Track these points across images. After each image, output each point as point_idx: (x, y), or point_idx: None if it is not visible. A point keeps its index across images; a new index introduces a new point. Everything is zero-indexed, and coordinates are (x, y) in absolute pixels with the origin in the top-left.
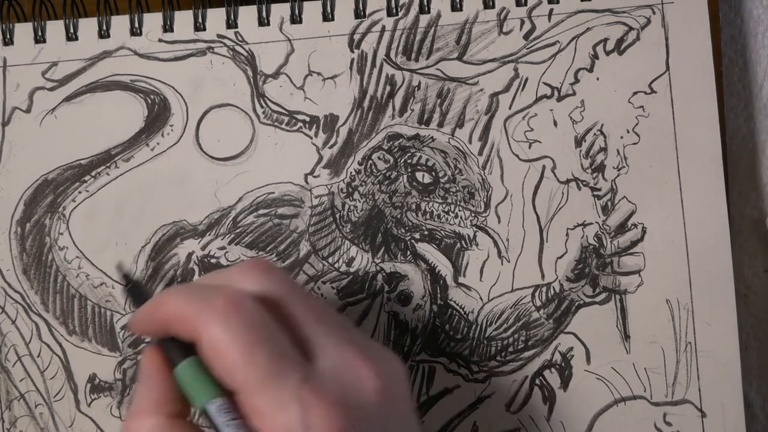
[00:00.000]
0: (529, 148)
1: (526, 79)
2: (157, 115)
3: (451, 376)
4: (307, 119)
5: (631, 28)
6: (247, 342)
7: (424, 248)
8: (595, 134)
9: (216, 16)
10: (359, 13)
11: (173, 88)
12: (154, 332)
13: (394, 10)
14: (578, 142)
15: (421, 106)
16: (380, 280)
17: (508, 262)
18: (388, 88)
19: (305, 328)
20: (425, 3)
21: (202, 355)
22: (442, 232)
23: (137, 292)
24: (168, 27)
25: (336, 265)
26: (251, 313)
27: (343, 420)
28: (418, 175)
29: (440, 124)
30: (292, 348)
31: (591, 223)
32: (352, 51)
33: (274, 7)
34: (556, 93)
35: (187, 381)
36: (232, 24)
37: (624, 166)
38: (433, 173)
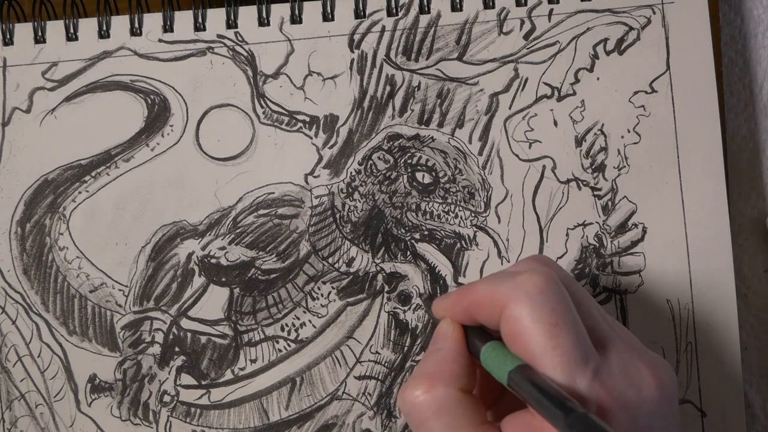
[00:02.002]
0: (529, 148)
1: (526, 79)
2: (157, 115)
3: None
4: (307, 119)
5: (631, 28)
6: (553, 323)
7: (424, 248)
8: (595, 134)
9: (216, 16)
10: (359, 13)
11: (173, 88)
12: (459, 318)
13: (394, 10)
14: (578, 142)
15: (421, 107)
16: (380, 280)
17: (508, 262)
18: (388, 88)
19: (594, 319)
20: (425, 3)
21: (504, 335)
22: (442, 232)
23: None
24: (168, 27)
25: (336, 265)
26: (557, 295)
27: (626, 415)
28: (418, 175)
29: (440, 125)
30: (587, 336)
31: (591, 223)
32: (352, 51)
33: (274, 7)
34: (556, 93)
35: (492, 358)
36: (232, 24)
37: (624, 166)
38: (433, 173)
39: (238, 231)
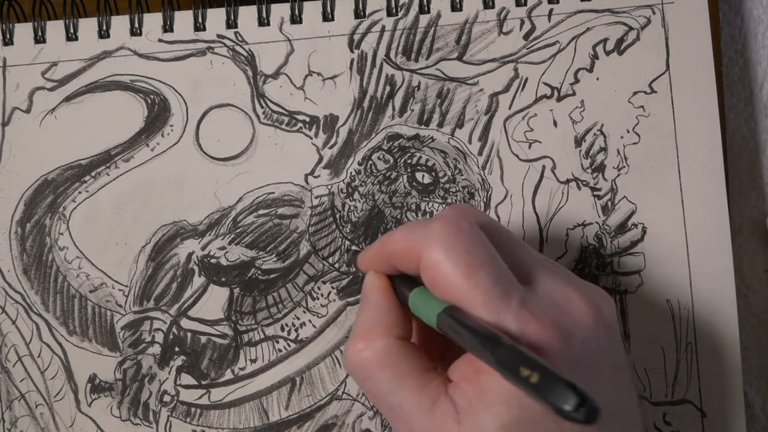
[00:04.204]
0: (529, 148)
1: (526, 79)
2: (157, 115)
3: None
4: (307, 119)
5: (631, 28)
6: (469, 264)
7: None
8: (595, 134)
9: (216, 16)
10: (359, 13)
11: (173, 88)
12: (382, 269)
13: (394, 10)
14: (578, 142)
15: (421, 107)
16: None
17: None
18: (387, 88)
19: (518, 256)
20: (425, 3)
21: (426, 282)
22: None
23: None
24: (168, 27)
25: (336, 265)
26: (470, 236)
27: (559, 341)
28: (418, 175)
29: (440, 125)
30: (509, 272)
31: (591, 223)
32: (352, 51)
33: (274, 7)
34: (556, 93)
35: (420, 303)
36: (232, 24)
37: (624, 166)
38: (433, 173)
39: (238, 231)
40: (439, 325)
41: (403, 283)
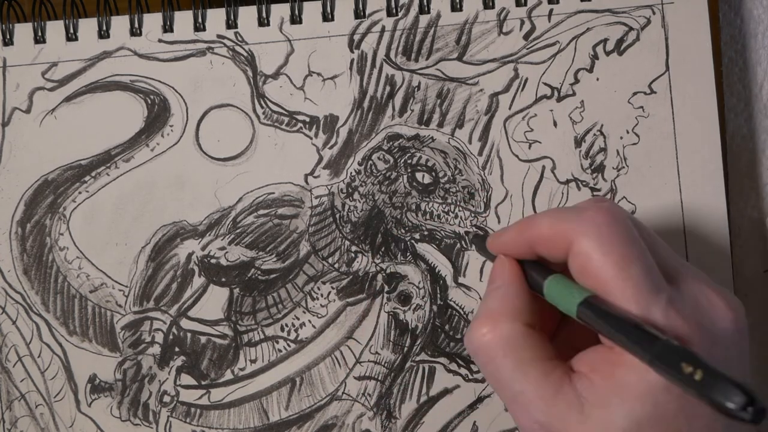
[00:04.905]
0: (529, 148)
1: (526, 80)
2: (157, 115)
3: (451, 376)
4: (307, 120)
5: (631, 29)
6: (623, 255)
7: (424, 248)
8: (594, 134)
9: (216, 17)
10: (359, 14)
11: (173, 88)
12: (518, 252)
13: (394, 11)
14: (578, 143)
15: (421, 107)
16: (380, 280)
17: None
18: (388, 88)
19: (662, 256)
20: (425, 3)
21: (572, 270)
22: (442, 232)
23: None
24: (168, 27)
25: (336, 266)
26: (625, 227)
27: (702, 343)
28: (418, 175)
29: (440, 125)
30: (657, 268)
31: None
32: (352, 51)
33: (274, 7)
34: (556, 93)
35: (557, 291)
36: (232, 24)
37: (624, 167)
38: (433, 173)
39: (238, 231)
40: (581, 314)
41: (536, 269)
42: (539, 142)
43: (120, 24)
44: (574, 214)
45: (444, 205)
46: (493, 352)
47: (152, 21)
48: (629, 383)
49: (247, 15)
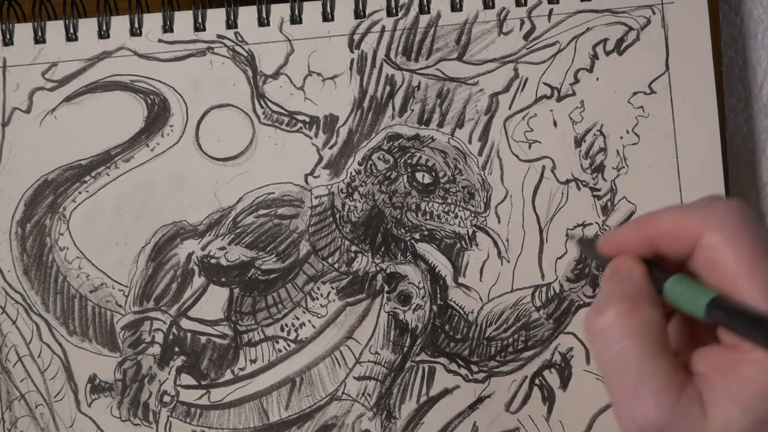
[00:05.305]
0: (529, 148)
1: (526, 80)
2: (157, 115)
3: (451, 377)
4: (307, 119)
5: (630, 29)
6: (754, 250)
7: (424, 248)
8: (594, 134)
9: (216, 17)
10: (359, 14)
11: (173, 88)
12: (637, 250)
13: (394, 11)
14: (578, 143)
15: (421, 107)
16: (380, 280)
17: (508, 262)
18: (387, 88)
19: None
20: (425, 3)
21: (698, 264)
22: (442, 232)
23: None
24: (168, 27)
25: (336, 265)
26: (756, 222)
27: None
28: (418, 175)
29: (440, 125)
30: None
31: (591, 224)
32: (352, 51)
33: (274, 7)
34: (555, 93)
35: (681, 291)
36: (232, 24)
37: (624, 167)
38: (433, 173)
39: (238, 231)
40: (710, 314)
41: (656, 268)
42: (539, 142)
43: (120, 24)
44: (700, 208)
45: (444, 205)
46: (624, 334)
47: (152, 21)
48: (756, 381)
49: (247, 15)
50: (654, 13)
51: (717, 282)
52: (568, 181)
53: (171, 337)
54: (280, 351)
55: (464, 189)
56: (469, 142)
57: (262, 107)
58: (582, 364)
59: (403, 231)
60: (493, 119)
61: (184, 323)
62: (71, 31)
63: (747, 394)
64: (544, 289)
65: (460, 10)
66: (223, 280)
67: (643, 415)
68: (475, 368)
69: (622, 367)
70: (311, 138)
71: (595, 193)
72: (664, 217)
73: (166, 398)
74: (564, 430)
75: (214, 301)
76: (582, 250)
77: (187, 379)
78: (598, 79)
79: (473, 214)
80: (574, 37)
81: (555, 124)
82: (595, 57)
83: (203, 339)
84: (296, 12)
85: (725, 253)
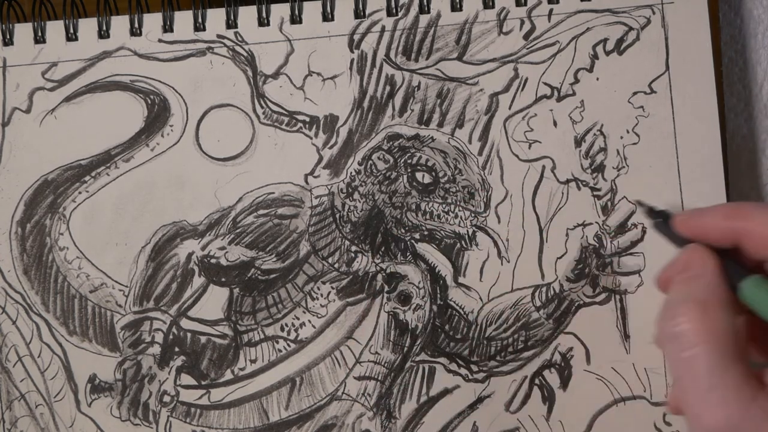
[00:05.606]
0: (529, 148)
1: (526, 79)
2: (157, 115)
3: (451, 376)
4: (307, 119)
5: (630, 28)
6: None
7: (424, 248)
8: (594, 134)
9: (216, 17)
10: (359, 13)
11: (173, 88)
12: (719, 240)
13: (394, 10)
14: (578, 142)
15: (421, 106)
16: (380, 280)
17: (508, 262)
18: (387, 88)
19: None
20: (425, 3)
21: None
22: (442, 232)
23: (657, 212)
24: (168, 27)
25: (336, 265)
26: None
27: None
28: (418, 175)
29: (440, 124)
30: None
31: (591, 223)
32: (352, 51)
33: (274, 7)
34: (555, 93)
35: (758, 293)
36: (232, 24)
37: (624, 166)
38: (433, 173)
39: (237, 231)
40: None
41: (733, 265)
42: (539, 142)
43: (120, 24)
44: None
45: (444, 205)
46: (697, 340)
47: (152, 21)
48: None
49: (247, 15)
50: (654, 13)
51: None
52: (568, 181)
53: (171, 337)
54: (280, 351)
55: (464, 189)
56: (469, 142)
57: (262, 107)
58: (582, 364)
59: (403, 231)
60: (493, 119)
61: (184, 323)
62: (71, 31)
63: None
64: (544, 289)
65: (460, 10)
66: (223, 280)
67: (711, 421)
68: (475, 368)
69: (692, 374)
70: (311, 138)
71: (595, 192)
72: (753, 213)
73: (166, 398)
74: (564, 430)
75: (214, 301)
76: (653, 225)
77: (187, 379)
78: (598, 78)
79: (473, 214)
80: (574, 37)
81: (555, 124)
82: (595, 57)
83: (203, 339)
84: (296, 12)
85: None
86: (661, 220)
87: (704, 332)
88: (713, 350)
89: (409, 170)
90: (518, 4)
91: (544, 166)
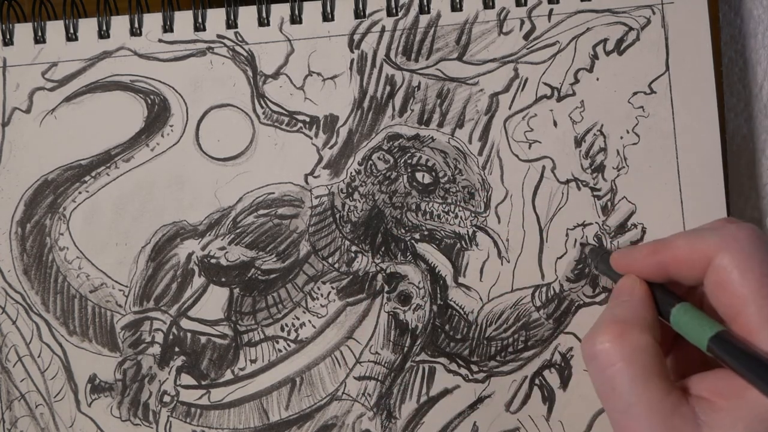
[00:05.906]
0: (529, 148)
1: (526, 80)
2: (157, 115)
3: (451, 376)
4: (307, 119)
5: (630, 29)
6: (762, 275)
7: (424, 248)
8: (594, 134)
9: (216, 17)
10: (359, 13)
11: (173, 88)
12: (647, 273)
13: (394, 10)
14: (578, 143)
15: (421, 107)
16: (380, 280)
17: (508, 262)
18: (388, 88)
19: None
20: (425, 3)
21: (708, 287)
22: (442, 232)
23: (598, 250)
24: (168, 27)
25: (336, 265)
26: (766, 247)
27: None
28: (418, 175)
29: (440, 125)
30: None
31: (591, 224)
32: (352, 51)
33: (274, 7)
34: (555, 93)
35: (686, 320)
36: (232, 24)
37: (624, 167)
38: (433, 173)
39: (238, 231)
40: (711, 349)
41: (664, 294)
42: (539, 142)
43: (120, 24)
44: (712, 231)
45: (444, 205)
46: (616, 358)
47: (152, 21)
48: (760, 406)
49: (247, 15)
50: (654, 13)
51: (724, 304)
52: (568, 181)
53: (171, 337)
54: (280, 351)
55: (464, 189)
56: (469, 142)
57: (262, 107)
58: (582, 364)
59: (403, 231)
60: (493, 119)
61: (184, 323)
62: (71, 31)
63: (751, 415)
64: (544, 289)
65: (460, 10)
66: (223, 280)
67: None
68: (475, 368)
69: (610, 390)
70: (311, 138)
71: (595, 193)
72: (677, 243)
73: (166, 398)
74: (564, 430)
75: (214, 301)
76: (592, 262)
77: (187, 379)
78: (598, 79)
79: (473, 214)
80: (574, 37)
81: (555, 124)
82: (595, 57)
83: (203, 339)
84: (296, 12)
85: (734, 275)
86: (597, 256)
87: (623, 350)
88: (632, 367)
89: (409, 170)
90: (518, 4)
91: (544, 166)
